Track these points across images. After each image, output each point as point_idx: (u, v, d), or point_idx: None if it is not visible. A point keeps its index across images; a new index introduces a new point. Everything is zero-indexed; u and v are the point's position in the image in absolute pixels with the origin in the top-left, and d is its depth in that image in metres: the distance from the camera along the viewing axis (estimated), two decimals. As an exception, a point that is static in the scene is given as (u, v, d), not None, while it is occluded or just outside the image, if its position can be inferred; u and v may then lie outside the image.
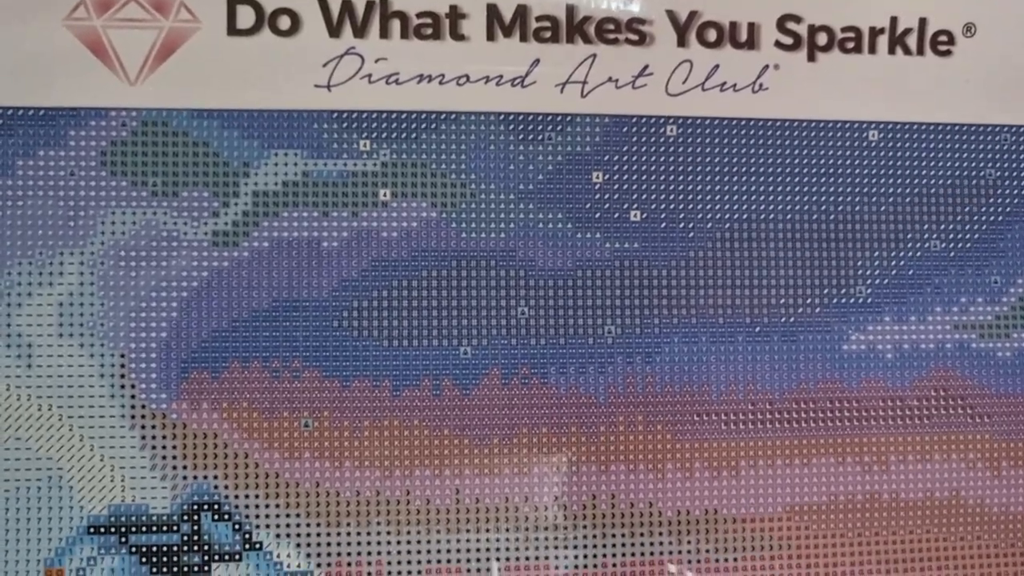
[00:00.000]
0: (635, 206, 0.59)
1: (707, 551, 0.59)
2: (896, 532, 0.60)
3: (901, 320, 0.61)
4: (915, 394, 0.61)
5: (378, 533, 0.57)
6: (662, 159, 0.59)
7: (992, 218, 0.62)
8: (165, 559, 0.56)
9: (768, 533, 0.60)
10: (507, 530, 0.58)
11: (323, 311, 0.57)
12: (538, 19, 0.58)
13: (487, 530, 0.58)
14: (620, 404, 0.59)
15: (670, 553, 0.59)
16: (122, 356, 0.57)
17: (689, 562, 0.59)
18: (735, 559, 0.59)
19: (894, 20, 0.61)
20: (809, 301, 0.60)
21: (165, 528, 0.56)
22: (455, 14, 0.58)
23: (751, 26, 0.60)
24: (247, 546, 0.57)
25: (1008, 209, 0.62)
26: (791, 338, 0.60)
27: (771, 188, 0.60)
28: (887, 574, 0.60)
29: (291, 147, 0.57)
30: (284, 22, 0.57)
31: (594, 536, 0.59)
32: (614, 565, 0.59)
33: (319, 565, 0.57)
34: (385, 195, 0.58)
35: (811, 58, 0.60)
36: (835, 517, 0.60)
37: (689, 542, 0.59)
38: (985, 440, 0.61)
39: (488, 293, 0.58)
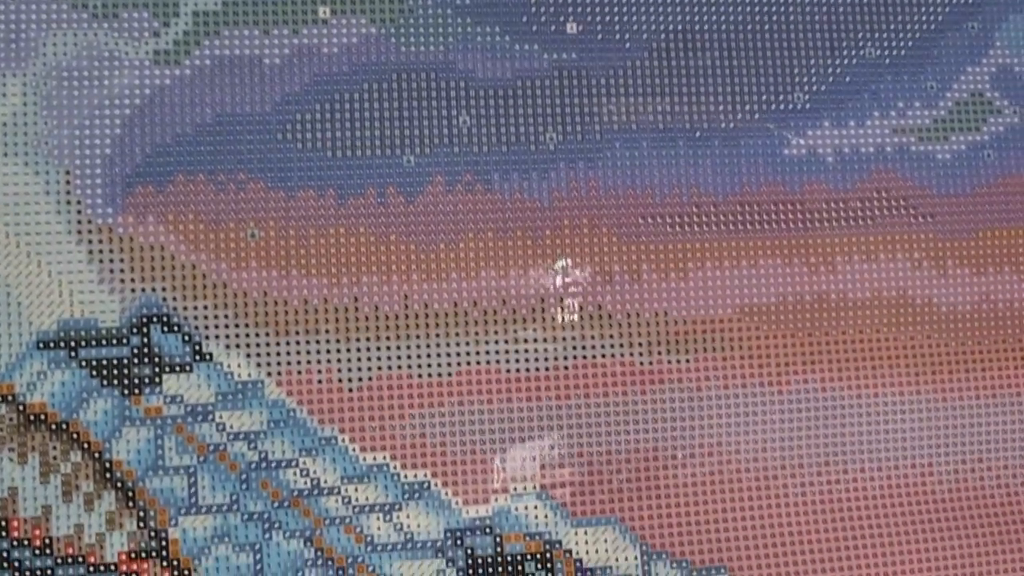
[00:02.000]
0: (571, 18, 0.60)
1: (659, 352, 0.59)
2: (846, 331, 0.61)
3: (840, 125, 0.62)
4: (857, 196, 0.61)
5: (327, 341, 0.58)
6: (596, -27, 0.60)
7: (926, 26, 0.63)
8: (115, 372, 0.56)
9: (719, 334, 0.60)
10: (456, 334, 0.58)
11: (267, 124, 0.58)
12: None
13: (436, 335, 0.58)
14: (564, 208, 0.59)
15: (621, 355, 0.59)
16: (67, 173, 0.57)
17: (641, 364, 0.59)
18: (687, 360, 0.60)
19: None
20: (748, 108, 0.61)
21: (115, 341, 0.57)
22: None
23: None
24: (197, 357, 0.57)
25: (940, 18, 0.63)
26: (732, 143, 0.61)
27: None
28: (839, 372, 0.60)
29: (229, -33, 0.58)
30: None
31: (544, 339, 0.59)
32: (565, 368, 0.59)
33: (269, 374, 0.57)
34: (325, 12, 0.59)
35: None
36: (785, 317, 0.60)
37: (640, 344, 0.59)
38: (930, 240, 0.62)
39: (429, 104, 0.59)
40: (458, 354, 0.58)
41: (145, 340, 0.57)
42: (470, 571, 0.58)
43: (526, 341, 0.59)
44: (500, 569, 0.58)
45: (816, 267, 0.61)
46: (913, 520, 0.61)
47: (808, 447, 0.60)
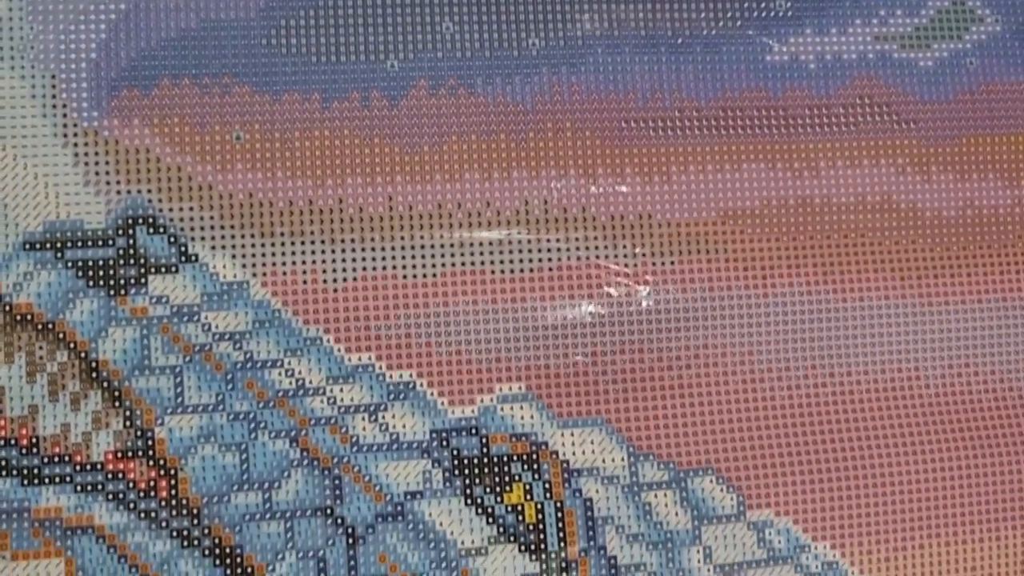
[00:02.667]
0: (554, -72, 0.61)
1: (643, 255, 0.59)
2: (831, 236, 0.61)
3: (822, 32, 0.62)
4: (840, 102, 0.62)
5: (312, 242, 0.58)
6: None
7: (906, -63, 0.63)
8: (101, 273, 0.57)
9: (703, 238, 0.60)
10: (441, 236, 0.58)
11: (252, 29, 0.58)
12: None
13: (421, 236, 0.58)
14: (547, 111, 0.60)
15: (605, 257, 0.59)
16: (53, 77, 0.57)
17: (626, 266, 0.59)
18: (672, 263, 0.60)
19: None
20: (730, 15, 0.61)
21: (100, 243, 0.57)
22: None
23: None
24: (182, 258, 0.57)
25: (921, -71, 0.64)
26: (713, 49, 0.61)
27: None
28: (824, 275, 0.61)
29: None
30: None
31: (528, 241, 0.59)
32: (549, 269, 0.59)
33: (254, 275, 0.57)
34: (308, -78, 0.60)
35: None
36: (769, 221, 0.60)
37: (624, 247, 0.59)
38: (913, 145, 0.62)
39: (413, 10, 0.59)
40: (443, 255, 0.58)
41: (131, 242, 0.57)
42: (456, 472, 0.58)
43: (510, 243, 0.59)
44: (486, 470, 0.58)
45: (799, 172, 0.61)
46: (901, 424, 0.61)
47: (794, 350, 0.60)
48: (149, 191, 0.57)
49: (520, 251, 0.59)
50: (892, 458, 0.60)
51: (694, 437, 0.59)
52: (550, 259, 0.59)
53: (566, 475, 0.58)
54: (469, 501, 0.58)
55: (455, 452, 0.58)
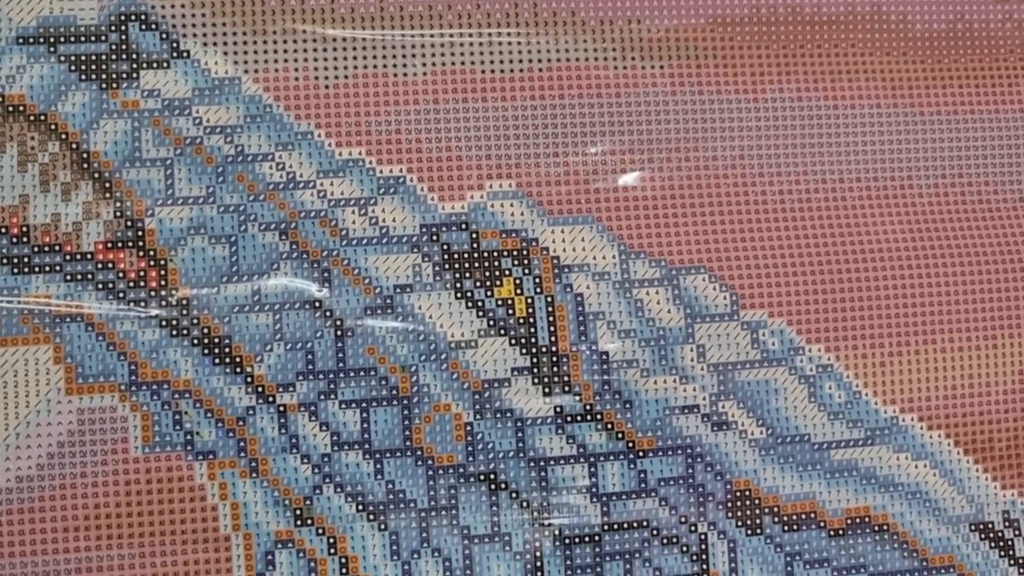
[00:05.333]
0: None
1: (632, 59, 0.60)
2: (821, 46, 0.61)
3: None
4: (829, -83, 0.62)
5: (304, 40, 0.58)
6: None
7: None
8: (94, 67, 0.57)
9: (692, 43, 0.60)
10: (431, 35, 0.59)
11: None
12: None
13: (411, 35, 0.59)
14: (537, -83, 0.60)
15: (595, 60, 0.59)
16: None
17: (615, 69, 0.59)
18: (660, 67, 0.60)
19: None
20: None
21: (93, 38, 0.57)
22: None
23: None
24: (174, 54, 0.58)
25: None
26: None
27: None
28: (814, 83, 0.61)
29: None
30: None
31: (518, 43, 0.59)
32: (539, 70, 0.59)
33: (246, 71, 0.58)
34: None
35: None
36: (758, 29, 0.61)
37: (613, 50, 0.60)
38: (902, -40, 0.62)
39: None
40: (433, 55, 0.59)
41: (123, 37, 0.57)
42: (446, 266, 0.58)
43: (500, 44, 0.59)
44: (476, 264, 0.58)
45: (789, -18, 0.61)
46: (895, 231, 0.60)
47: (785, 156, 0.60)
48: (142, -11, 0.58)
49: (510, 52, 0.59)
50: (886, 264, 0.60)
51: (686, 237, 0.59)
52: (540, 60, 0.59)
53: (556, 271, 0.58)
54: (459, 295, 0.57)
55: (445, 247, 0.58)
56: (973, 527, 0.60)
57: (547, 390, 0.57)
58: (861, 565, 0.59)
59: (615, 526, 0.57)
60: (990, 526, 0.60)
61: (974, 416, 0.60)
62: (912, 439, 0.60)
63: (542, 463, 0.57)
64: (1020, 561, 0.60)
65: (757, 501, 0.58)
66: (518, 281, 0.58)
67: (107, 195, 0.57)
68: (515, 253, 0.58)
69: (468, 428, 0.57)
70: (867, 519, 0.59)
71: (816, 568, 0.59)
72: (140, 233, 0.56)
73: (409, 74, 0.58)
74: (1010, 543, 0.60)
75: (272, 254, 0.57)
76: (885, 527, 0.59)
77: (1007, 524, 0.60)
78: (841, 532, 0.59)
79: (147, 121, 0.57)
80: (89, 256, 0.56)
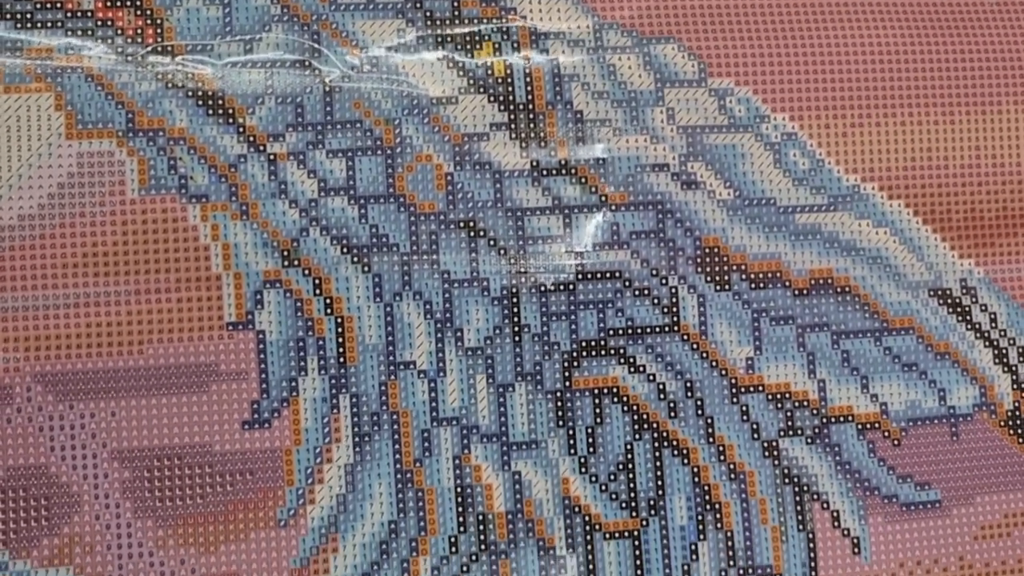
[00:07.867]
0: None
1: None
2: None
3: None
4: None
5: None
6: None
7: None
8: None
9: None
10: None
11: None
12: None
13: None
14: None
15: None
16: None
17: None
18: None
19: None
20: None
21: None
22: None
23: None
24: None
25: None
26: None
27: None
28: None
29: None
30: None
31: None
32: None
33: None
34: None
35: None
36: None
37: None
38: None
39: None
40: None
41: None
42: (428, 29, 0.61)
43: None
44: (457, 30, 0.61)
45: None
46: (860, 6, 0.63)
47: (752, -61, 0.63)
48: None
49: None
50: (851, 35, 0.63)
51: (656, 10, 0.62)
52: None
53: (533, 37, 0.61)
54: (441, 57, 0.60)
55: (428, 13, 0.61)
56: (932, 292, 0.63)
57: (523, 144, 0.60)
58: (824, 323, 0.62)
59: (589, 275, 0.60)
60: (948, 292, 0.63)
61: (933, 188, 0.63)
62: (873, 207, 0.63)
63: (519, 213, 0.60)
64: (976, 326, 0.63)
65: (725, 258, 0.61)
66: (497, 46, 0.61)
67: (108, -41, 0.60)
68: (495, 20, 0.61)
69: (448, 178, 0.60)
70: (830, 280, 0.62)
71: (781, 325, 0.61)
72: (138, -6, 0.60)
73: None
74: (967, 309, 0.63)
75: (264, 17, 0.60)
76: (847, 288, 0.62)
77: (964, 291, 0.63)
78: (805, 292, 0.62)
79: None
80: (89, 14, 0.59)
